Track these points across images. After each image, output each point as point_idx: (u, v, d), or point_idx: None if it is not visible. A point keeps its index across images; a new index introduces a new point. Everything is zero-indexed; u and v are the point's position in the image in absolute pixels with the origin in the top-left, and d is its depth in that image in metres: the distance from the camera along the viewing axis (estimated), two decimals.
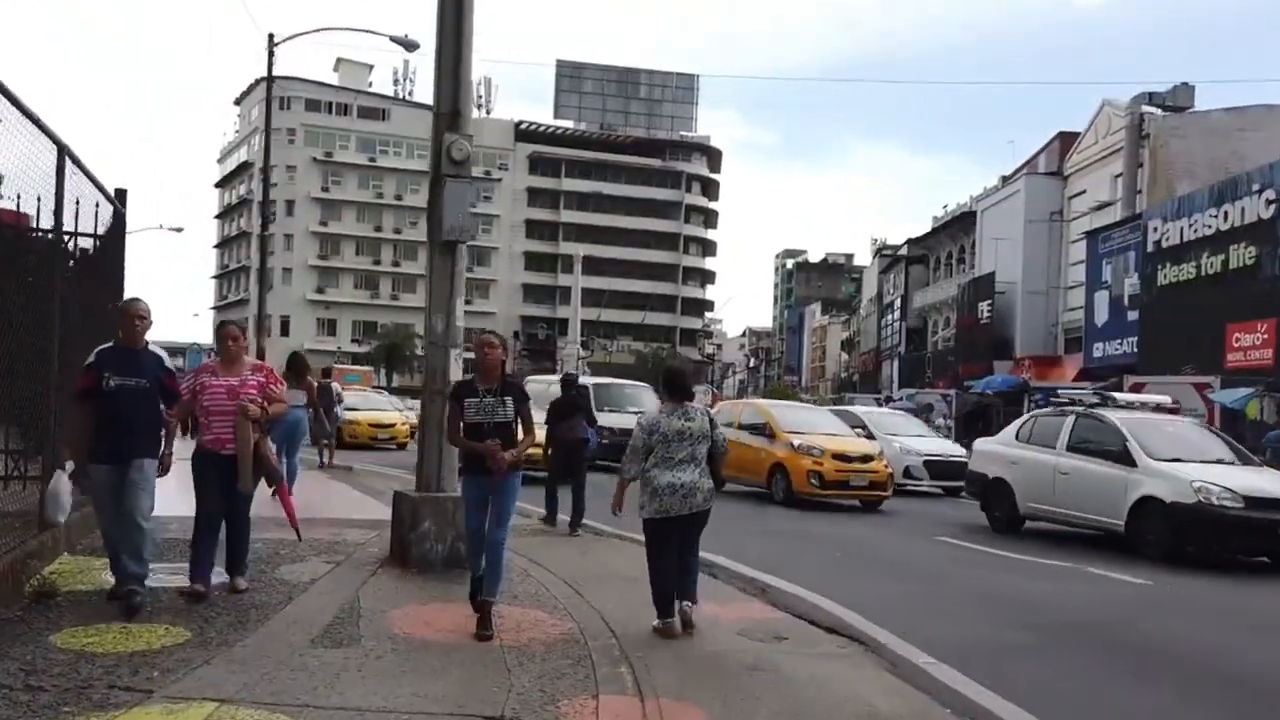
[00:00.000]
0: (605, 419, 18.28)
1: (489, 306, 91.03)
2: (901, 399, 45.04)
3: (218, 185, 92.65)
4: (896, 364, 59.34)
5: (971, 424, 39.97)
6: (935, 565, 10.59)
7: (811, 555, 10.68)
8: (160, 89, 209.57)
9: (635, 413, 18.63)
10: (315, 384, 14.05)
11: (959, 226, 55.54)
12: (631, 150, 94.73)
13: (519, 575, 7.65)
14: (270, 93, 20.22)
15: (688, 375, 6.79)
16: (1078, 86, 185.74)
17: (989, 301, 46.66)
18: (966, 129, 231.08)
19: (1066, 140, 47.30)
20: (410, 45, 24.05)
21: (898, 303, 61.29)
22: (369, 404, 26.83)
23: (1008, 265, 46.35)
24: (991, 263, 47.67)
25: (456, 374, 7.89)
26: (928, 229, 62.97)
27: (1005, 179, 53.10)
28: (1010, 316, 46.51)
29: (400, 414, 26.54)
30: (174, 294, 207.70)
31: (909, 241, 62.47)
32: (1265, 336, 28.30)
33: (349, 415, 22.40)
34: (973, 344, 48.13)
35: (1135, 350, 35.06)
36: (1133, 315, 35.59)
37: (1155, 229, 34.27)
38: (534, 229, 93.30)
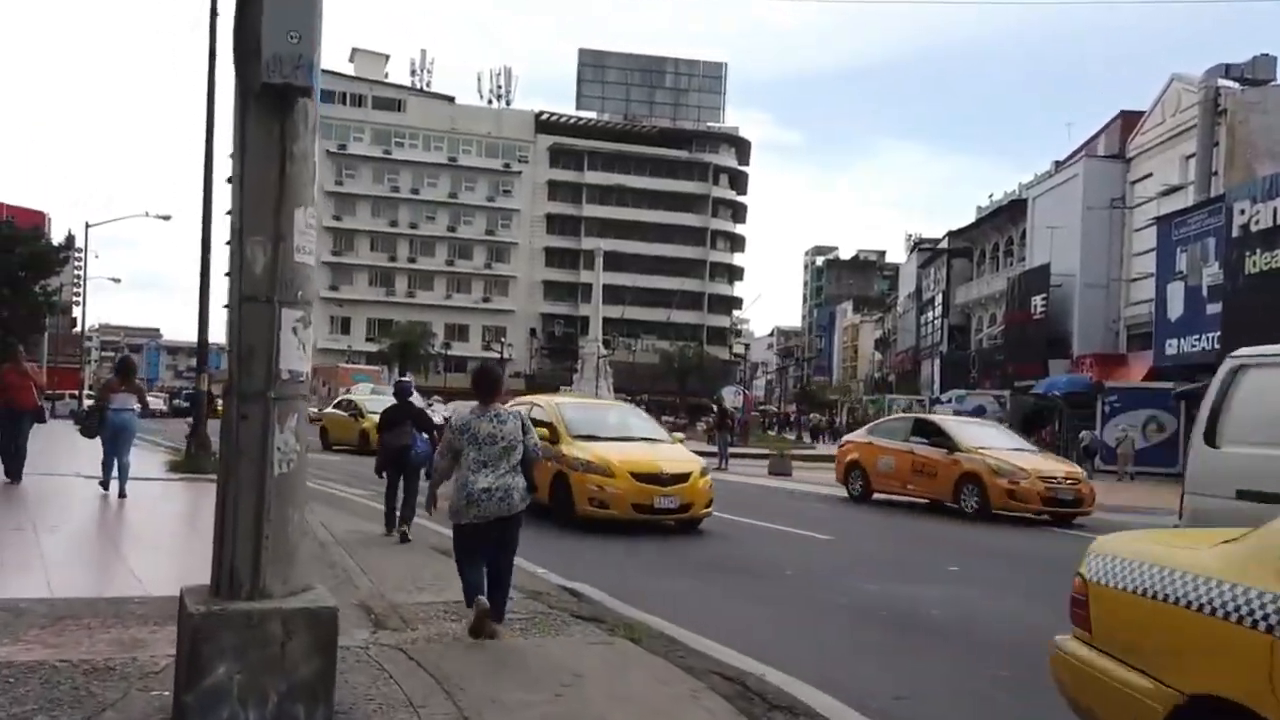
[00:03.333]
0: None
1: (508, 304, 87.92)
2: (949, 400, 41.46)
3: (229, 180, 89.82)
4: (937, 364, 55.69)
5: (1029, 428, 36.33)
6: None
7: None
8: (178, 81, 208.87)
9: None
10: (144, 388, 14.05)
11: (1006, 217, 51.73)
12: (657, 141, 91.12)
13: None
14: (214, 62, 16.79)
15: (498, 375, 6.61)
16: (1128, 71, 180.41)
17: (1043, 296, 42.88)
18: (999, 126, 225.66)
19: (1129, 120, 43.34)
20: None
21: (938, 299, 57.62)
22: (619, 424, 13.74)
23: (1063, 256, 42.58)
24: (1045, 254, 43.88)
25: (298, 360, 4.36)
26: (969, 221, 59.20)
27: (1059, 164, 49.13)
28: (1066, 312, 42.70)
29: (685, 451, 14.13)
30: (192, 292, 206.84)
31: (950, 234, 58.66)
32: None
33: (579, 452, 12.33)
34: (1024, 342, 44.38)
35: (1217, 346, 31.22)
36: (1213, 308, 31.82)
37: (1242, 211, 30.44)
38: (555, 223, 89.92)
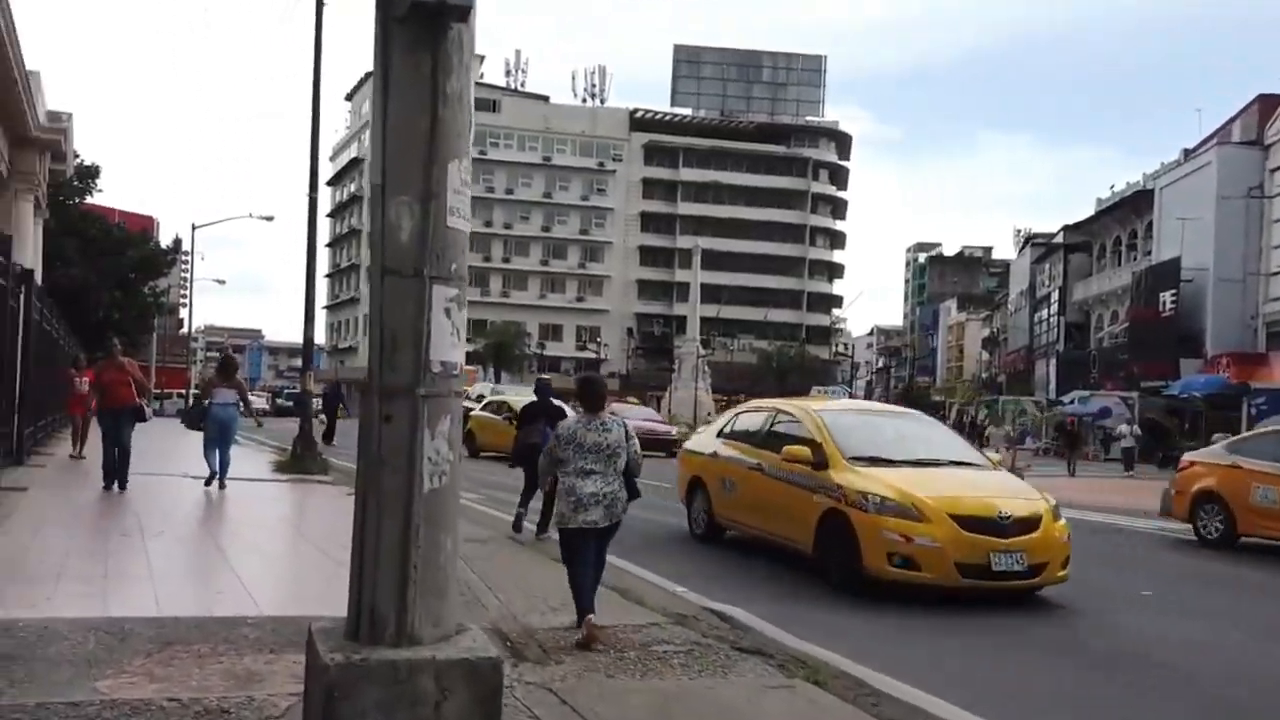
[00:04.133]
0: None
1: (602, 304, 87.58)
2: (1072, 401, 39.42)
3: (329, 183, 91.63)
4: (1053, 363, 53.26)
5: (1160, 432, 34.25)
6: None
7: None
8: (273, 84, 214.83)
9: None
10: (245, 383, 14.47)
11: (1130, 208, 49.21)
12: (754, 137, 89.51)
13: None
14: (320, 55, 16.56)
15: (603, 385, 6.61)
16: (1260, 53, 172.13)
17: (1172, 291, 40.47)
18: (1114, 115, 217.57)
19: (1268, 105, 40.58)
20: None
21: (1054, 295, 55.19)
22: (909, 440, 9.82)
23: (1195, 249, 40.10)
24: (1174, 247, 41.42)
25: (451, 349, 3.55)
26: (1086, 215, 56.60)
27: (1189, 152, 46.40)
28: (1199, 308, 40.22)
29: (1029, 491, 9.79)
30: (293, 293, 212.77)
31: (1066, 228, 56.11)
32: None
33: (864, 483, 8.54)
34: (1151, 340, 41.98)
35: None
36: None
37: None
38: (650, 222, 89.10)
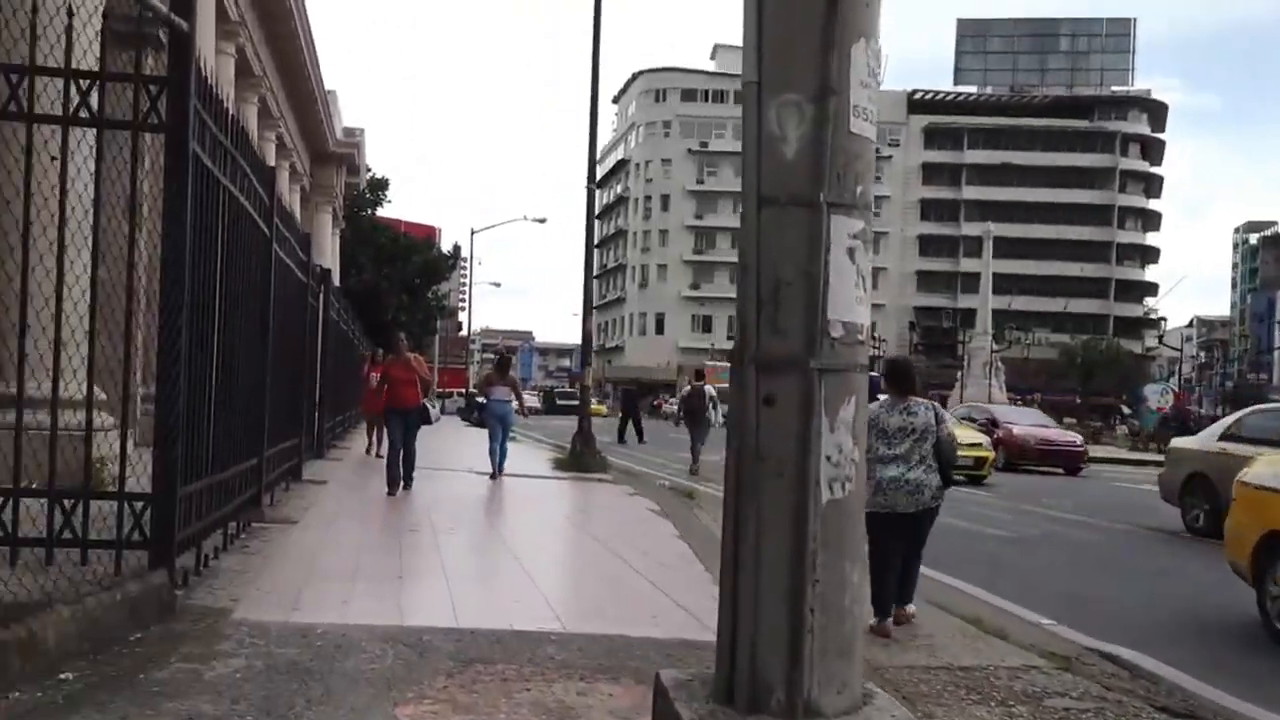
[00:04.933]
0: None
1: (878, 297, 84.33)
2: None
3: (597, 185, 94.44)
4: None
5: None
6: None
7: None
8: (543, 89, 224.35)
9: None
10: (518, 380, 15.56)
11: None
12: (1048, 112, 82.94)
13: None
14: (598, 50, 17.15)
15: (911, 368, 6.39)
16: None
17: None
18: None
19: None
20: None
21: None
22: None
23: None
24: None
25: (856, 306, 2.50)
26: None
27: None
28: None
29: None
30: (557, 296, 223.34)
31: None
32: None
33: None
34: None
35: None
36: None
37: None
38: (929, 209, 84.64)
